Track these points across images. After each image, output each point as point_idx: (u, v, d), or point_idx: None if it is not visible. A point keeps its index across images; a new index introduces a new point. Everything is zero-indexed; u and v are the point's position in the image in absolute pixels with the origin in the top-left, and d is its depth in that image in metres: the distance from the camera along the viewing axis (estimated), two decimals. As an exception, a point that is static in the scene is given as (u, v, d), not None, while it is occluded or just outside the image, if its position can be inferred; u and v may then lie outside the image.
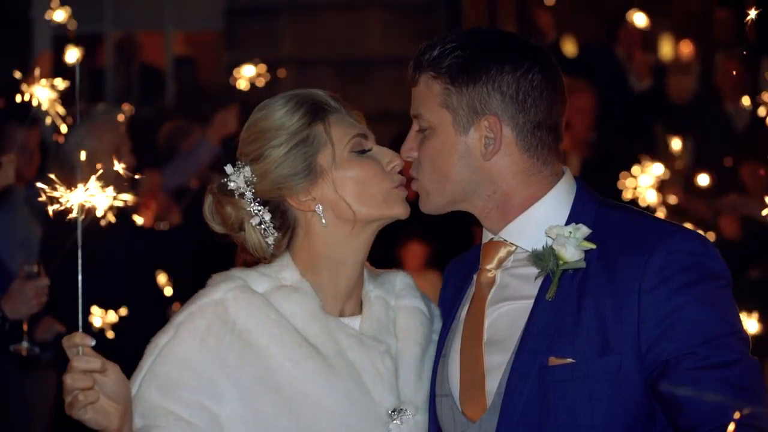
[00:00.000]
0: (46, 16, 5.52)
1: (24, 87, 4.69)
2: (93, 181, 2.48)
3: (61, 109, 4.74)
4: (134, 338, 3.30)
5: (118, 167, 3.17)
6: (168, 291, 6.02)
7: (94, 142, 5.58)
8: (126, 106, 7.30)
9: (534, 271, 2.60)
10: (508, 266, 2.67)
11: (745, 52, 9.12)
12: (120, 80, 11.12)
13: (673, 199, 7.20)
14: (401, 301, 2.80)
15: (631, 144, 8.15)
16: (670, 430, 2.51)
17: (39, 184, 2.52)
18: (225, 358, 2.58)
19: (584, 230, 2.57)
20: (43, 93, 4.68)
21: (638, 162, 6.71)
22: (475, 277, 2.73)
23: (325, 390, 2.60)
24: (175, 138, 7.50)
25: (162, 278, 6.01)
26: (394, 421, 2.65)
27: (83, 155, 4.63)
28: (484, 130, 2.61)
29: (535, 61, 2.63)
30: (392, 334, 2.75)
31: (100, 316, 5.07)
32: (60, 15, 5.54)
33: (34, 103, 4.70)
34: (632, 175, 6.65)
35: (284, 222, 2.72)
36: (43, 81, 4.67)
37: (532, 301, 2.58)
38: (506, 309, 2.62)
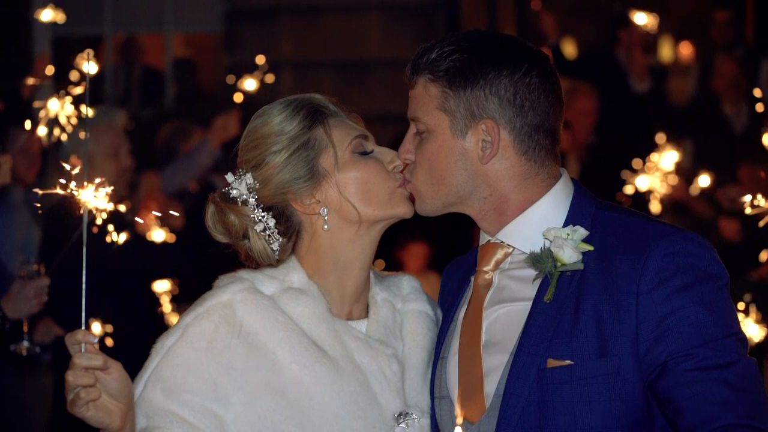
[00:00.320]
0: (35, 15, 5.52)
1: (24, 90, 4.70)
2: (97, 182, 2.49)
3: (64, 117, 4.75)
4: (133, 342, 3.31)
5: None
6: (166, 302, 6.03)
7: (93, 143, 5.59)
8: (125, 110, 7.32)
9: (531, 272, 2.60)
10: (505, 268, 2.68)
11: (743, 54, 9.14)
12: (120, 82, 11.12)
13: (675, 190, 7.24)
14: (408, 304, 2.81)
15: (631, 146, 8.16)
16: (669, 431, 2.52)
17: (39, 191, 2.52)
18: (231, 361, 2.58)
19: (582, 232, 2.57)
20: (54, 104, 4.69)
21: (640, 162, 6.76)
22: (472, 279, 2.73)
23: (332, 394, 2.60)
24: (173, 140, 7.50)
25: (162, 287, 6.01)
26: (400, 425, 2.65)
27: (84, 156, 4.64)
28: (482, 133, 2.62)
29: (533, 64, 2.63)
30: (399, 338, 2.76)
31: (99, 323, 5.08)
32: (48, 14, 5.55)
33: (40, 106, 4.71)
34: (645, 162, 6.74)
35: (289, 227, 2.72)
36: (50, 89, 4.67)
37: (530, 302, 2.59)
38: (504, 311, 2.63)
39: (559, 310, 2.55)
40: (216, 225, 2.76)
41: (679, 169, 7.53)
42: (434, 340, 2.79)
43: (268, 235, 2.72)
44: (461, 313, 2.72)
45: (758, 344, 4.66)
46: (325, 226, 2.70)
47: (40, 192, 2.50)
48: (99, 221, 2.46)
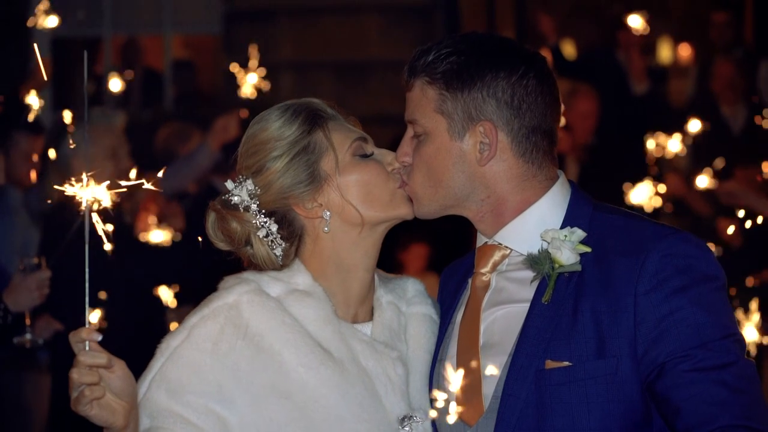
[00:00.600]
0: (29, 23, 5.54)
1: (23, 93, 4.70)
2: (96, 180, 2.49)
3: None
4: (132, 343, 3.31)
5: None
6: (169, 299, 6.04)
7: (91, 145, 5.59)
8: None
9: (529, 274, 2.61)
10: (502, 270, 2.68)
11: (742, 56, 9.14)
12: (121, 83, 11.14)
13: (674, 186, 7.25)
14: (413, 308, 2.81)
15: (630, 147, 8.16)
16: (666, 432, 2.53)
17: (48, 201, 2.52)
18: (237, 363, 2.58)
19: (579, 233, 2.58)
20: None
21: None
22: (470, 281, 2.73)
23: (337, 396, 2.60)
24: (172, 141, 7.50)
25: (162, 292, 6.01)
26: (404, 428, 2.65)
27: (84, 157, 4.64)
28: (480, 135, 2.62)
29: (530, 66, 2.63)
30: (403, 341, 2.76)
31: (99, 311, 5.07)
32: (53, 21, 5.56)
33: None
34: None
35: (291, 232, 2.72)
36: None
37: (528, 304, 2.59)
38: (502, 313, 2.63)
39: (557, 312, 2.55)
40: (217, 233, 2.75)
41: (679, 165, 7.56)
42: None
43: (271, 240, 2.71)
44: (459, 316, 2.72)
45: (757, 347, 4.67)
46: (329, 229, 2.70)
47: (49, 201, 2.50)
48: (96, 217, 2.45)
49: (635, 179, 7.05)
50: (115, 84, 7.59)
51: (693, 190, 7.29)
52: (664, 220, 6.24)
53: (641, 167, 7.43)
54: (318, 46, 10.71)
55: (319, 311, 2.66)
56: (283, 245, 2.72)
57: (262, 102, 6.70)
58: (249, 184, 2.71)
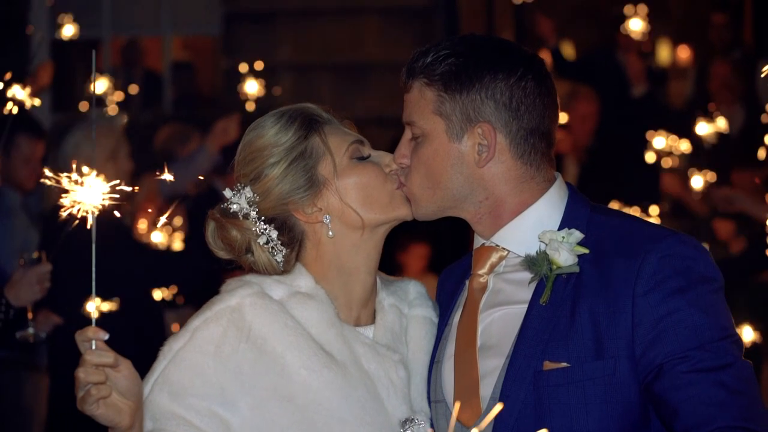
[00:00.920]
0: (32, 34, 5.53)
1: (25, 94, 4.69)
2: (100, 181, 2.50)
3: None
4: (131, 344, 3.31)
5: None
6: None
7: (92, 146, 5.59)
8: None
9: (526, 275, 2.61)
10: (500, 271, 2.68)
11: (740, 57, 9.14)
12: (120, 85, 11.14)
13: (672, 185, 7.26)
14: (414, 310, 2.81)
15: (630, 148, 8.17)
16: (664, 433, 2.53)
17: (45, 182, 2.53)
18: (239, 366, 2.58)
19: (577, 235, 2.58)
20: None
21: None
22: (467, 282, 2.73)
23: (339, 399, 2.60)
24: (172, 143, 7.50)
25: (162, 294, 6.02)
26: (406, 431, 2.66)
27: (84, 158, 4.64)
28: (478, 137, 2.62)
29: (528, 68, 2.64)
30: (404, 343, 2.76)
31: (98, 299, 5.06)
32: (69, 29, 5.56)
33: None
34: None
35: (292, 237, 2.72)
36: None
37: (526, 305, 2.59)
38: (500, 314, 2.63)
39: (555, 313, 2.55)
40: (217, 241, 2.75)
41: (676, 165, 7.57)
42: None
43: (272, 247, 2.71)
44: (456, 317, 2.73)
45: (755, 347, 4.67)
46: (329, 233, 2.70)
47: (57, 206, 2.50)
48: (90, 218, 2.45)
49: (635, 179, 7.06)
50: (101, 85, 7.57)
51: (689, 190, 7.30)
52: (661, 221, 6.26)
53: (641, 167, 7.44)
54: (317, 47, 10.71)
55: (321, 314, 2.66)
56: (284, 251, 2.72)
57: (263, 105, 6.71)
58: (247, 192, 2.71)
